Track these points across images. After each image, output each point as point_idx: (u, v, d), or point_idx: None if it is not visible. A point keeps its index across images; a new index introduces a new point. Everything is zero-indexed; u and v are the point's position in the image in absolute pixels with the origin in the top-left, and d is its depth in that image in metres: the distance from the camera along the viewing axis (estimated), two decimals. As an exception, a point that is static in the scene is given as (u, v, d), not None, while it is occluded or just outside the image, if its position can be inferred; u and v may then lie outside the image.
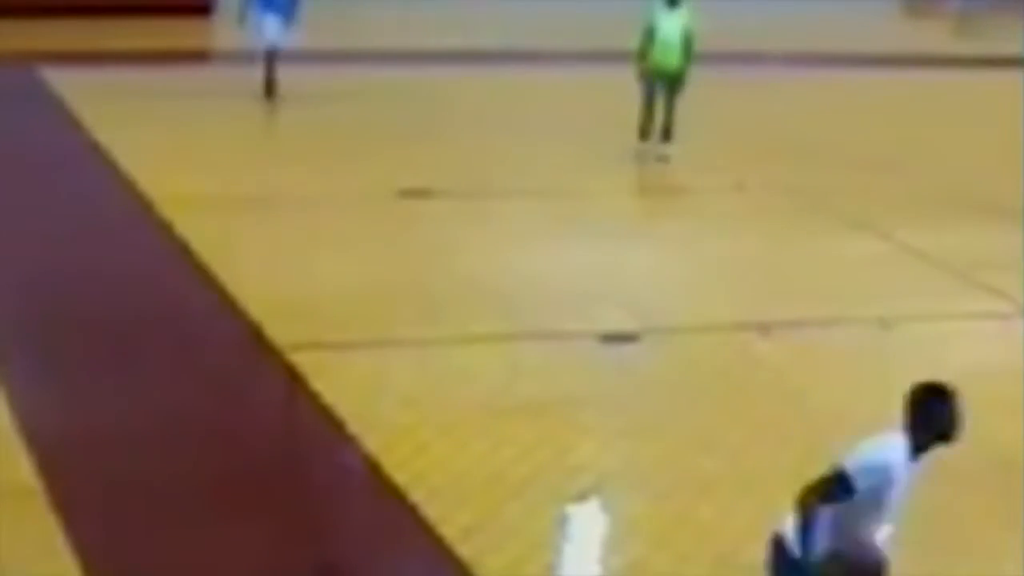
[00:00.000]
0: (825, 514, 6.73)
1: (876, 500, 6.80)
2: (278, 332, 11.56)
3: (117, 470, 9.31)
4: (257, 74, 20.55)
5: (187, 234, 13.88)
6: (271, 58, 19.82)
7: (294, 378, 10.87)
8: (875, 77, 24.82)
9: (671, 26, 17.50)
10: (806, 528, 6.70)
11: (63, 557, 8.19)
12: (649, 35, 17.53)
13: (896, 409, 10.95)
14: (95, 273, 13.05)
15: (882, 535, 6.88)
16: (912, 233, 15.01)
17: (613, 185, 16.84)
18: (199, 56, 26.05)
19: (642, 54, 17.54)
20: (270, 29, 19.67)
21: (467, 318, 12.36)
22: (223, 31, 27.54)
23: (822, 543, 6.70)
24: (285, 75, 22.01)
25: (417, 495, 9.03)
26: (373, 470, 9.42)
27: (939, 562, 8.69)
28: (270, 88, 19.90)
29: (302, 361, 11.06)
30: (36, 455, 9.32)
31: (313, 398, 10.49)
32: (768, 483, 9.50)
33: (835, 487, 6.71)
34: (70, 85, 20.17)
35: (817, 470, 9.70)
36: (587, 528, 9.31)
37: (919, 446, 6.98)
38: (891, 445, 6.95)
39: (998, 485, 9.63)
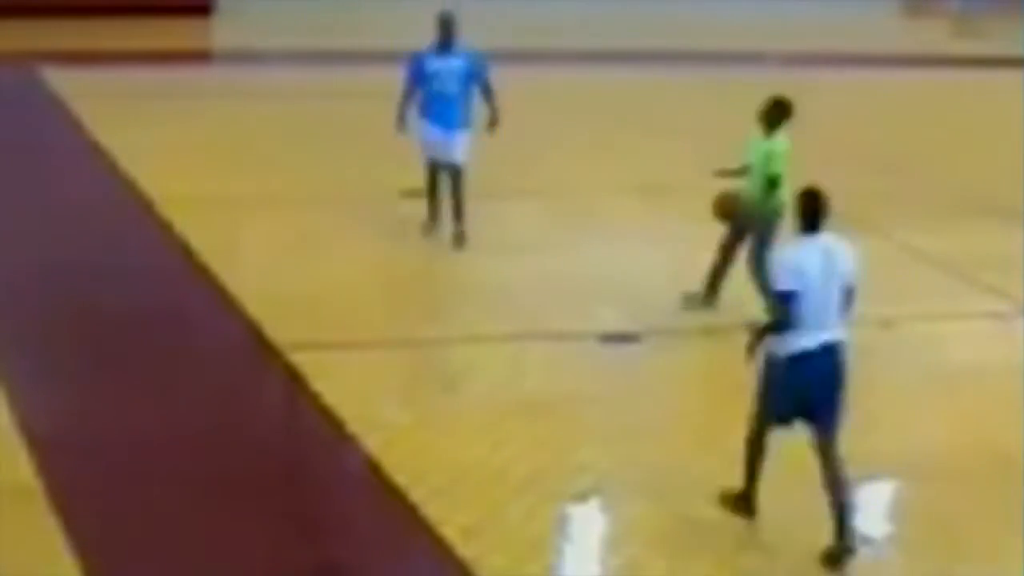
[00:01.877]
0: None
1: None
2: (278, 332, 11.56)
3: (117, 470, 9.32)
4: (257, 74, 20.58)
5: (187, 234, 13.89)
6: (433, 172, 14.53)
7: (294, 378, 10.87)
8: (875, 77, 24.82)
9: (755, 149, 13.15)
10: None
11: (63, 557, 8.19)
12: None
13: (895, 408, 10.98)
14: (95, 273, 13.05)
15: None
16: (913, 233, 15.01)
17: (613, 185, 16.84)
18: (199, 56, 26.07)
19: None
20: (429, 140, 14.40)
21: (467, 318, 12.37)
22: (223, 31, 27.57)
23: None
24: (284, 75, 22.01)
25: (417, 495, 9.03)
26: (373, 470, 9.41)
27: (939, 562, 8.70)
28: (433, 213, 14.52)
29: (302, 361, 11.06)
30: (36, 455, 9.32)
31: (313, 398, 10.48)
32: (768, 483, 9.51)
33: None
34: (70, 85, 20.18)
35: (817, 470, 9.74)
36: (587, 528, 9.31)
37: None
38: None
39: (998, 485, 9.63)
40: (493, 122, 14.36)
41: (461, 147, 14.26)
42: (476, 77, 14.19)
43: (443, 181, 14.39)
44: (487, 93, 14.30)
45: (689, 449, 10.02)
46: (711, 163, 17.75)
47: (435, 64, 14.16)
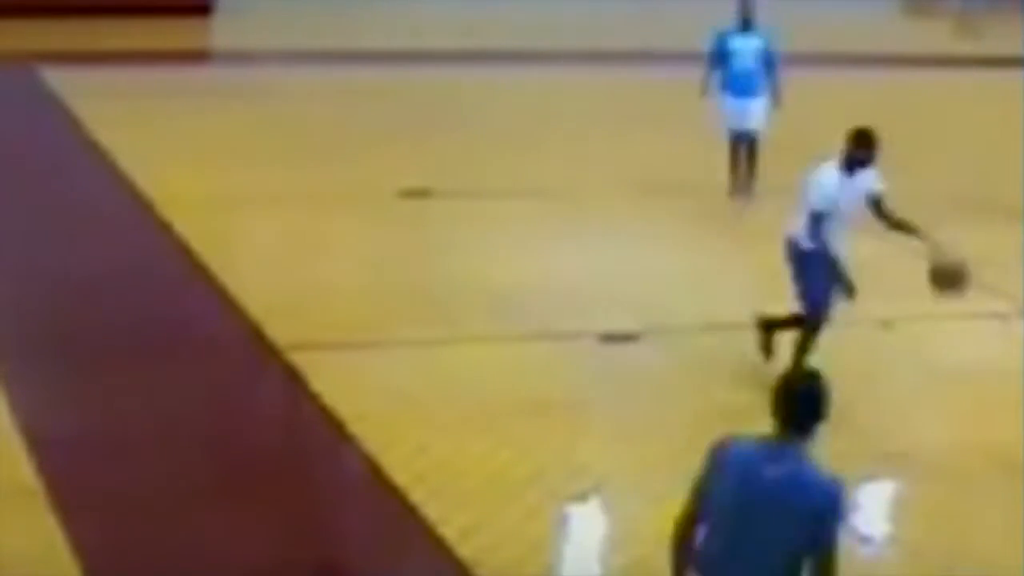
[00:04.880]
0: None
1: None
2: (278, 332, 11.56)
3: (117, 470, 9.31)
4: (257, 74, 20.50)
5: (187, 234, 13.89)
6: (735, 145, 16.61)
7: (294, 378, 10.86)
8: (875, 77, 24.82)
9: None
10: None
11: (63, 557, 8.19)
12: None
13: (895, 408, 10.98)
14: (95, 273, 13.05)
15: None
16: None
17: (613, 185, 16.83)
18: (199, 56, 26.08)
19: None
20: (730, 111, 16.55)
21: (467, 318, 12.36)
22: (223, 31, 27.57)
23: None
24: (284, 75, 22.02)
25: (417, 495, 9.03)
26: (373, 470, 9.41)
27: (939, 562, 8.69)
28: (735, 180, 16.55)
29: (302, 361, 11.05)
30: (36, 455, 9.32)
31: (313, 398, 10.48)
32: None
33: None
34: (70, 85, 20.19)
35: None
36: (587, 528, 9.31)
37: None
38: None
39: (998, 485, 9.63)
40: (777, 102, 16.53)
41: (758, 115, 16.46)
42: (769, 55, 16.52)
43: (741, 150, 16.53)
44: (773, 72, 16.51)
45: (689, 449, 9.99)
46: (711, 163, 17.80)
47: (736, 42, 16.38)
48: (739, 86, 16.32)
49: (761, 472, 5.77)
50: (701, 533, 5.96)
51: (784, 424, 5.80)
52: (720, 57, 16.39)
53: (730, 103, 16.42)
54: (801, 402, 5.82)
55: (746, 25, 16.47)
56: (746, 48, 16.34)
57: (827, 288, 10.82)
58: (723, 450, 6.08)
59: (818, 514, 5.68)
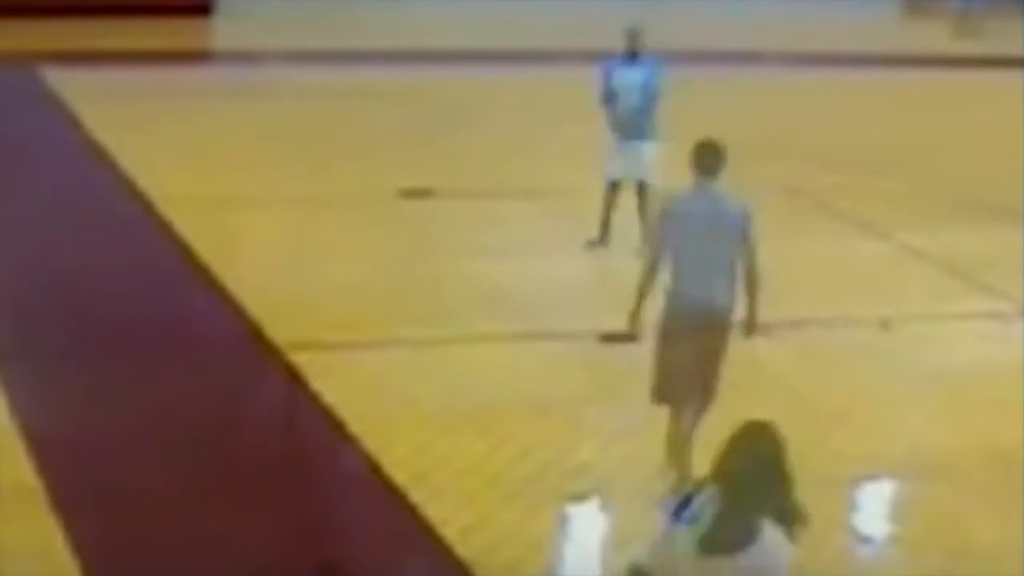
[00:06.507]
0: None
1: None
2: (278, 332, 11.56)
3: (117, 470, 9.31)
4: (257, 74, 20.50)
5: (187, 234, 13.89)
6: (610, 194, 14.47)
7: (294, 378, 10.86)
8: (875, 77, 24.84)
9: None
10: None
11: (63, 557, 8.19)
12: None
13: (895, 408, 10.99)
14: (95, 273, 13.05)
15: None
16: (912, 233, 15.01)
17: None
18: (199, 56, 26.10)
19: None
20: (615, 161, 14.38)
21: (467, 318, 12.36)
22: (223, 31, 27.58)
23: None
24: (284, 75, 22.03)
25: (417, 495, 9.03)
26: (373, 470, 9.42)
27: (939, 562, 8.70)
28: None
29: (302, 361, 11.05)
30: (36, 455, 9.32)
31: (313, 398, 10.48)
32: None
33: None
34: (70, 85, 20.20)
35: (817, 470, 9.75)
36: (587, 528, 9.31)
37: None
38: None
39: (998, 485, 9.63)
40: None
41: (648, 162, 14.07)
42: (652, 91, 14.07)
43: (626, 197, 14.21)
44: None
45: (689, 449, 10.00)
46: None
47: (620, 77, 14.13)
48: (624, 128, 14.10)
49: (699, 208, 9.03)
50: (668, 270, 9.09)
51: (702, 173, 9.05)
52: (608, 95, 14.26)
53: (613, 147, 14.24)
54: (713, 155, 9.09)
55: (631, 56, 14.17)
56: (631, 83, 14.05)
57: None
58: (666, 207, 9.31)
59: (741, 222, 8.99)
